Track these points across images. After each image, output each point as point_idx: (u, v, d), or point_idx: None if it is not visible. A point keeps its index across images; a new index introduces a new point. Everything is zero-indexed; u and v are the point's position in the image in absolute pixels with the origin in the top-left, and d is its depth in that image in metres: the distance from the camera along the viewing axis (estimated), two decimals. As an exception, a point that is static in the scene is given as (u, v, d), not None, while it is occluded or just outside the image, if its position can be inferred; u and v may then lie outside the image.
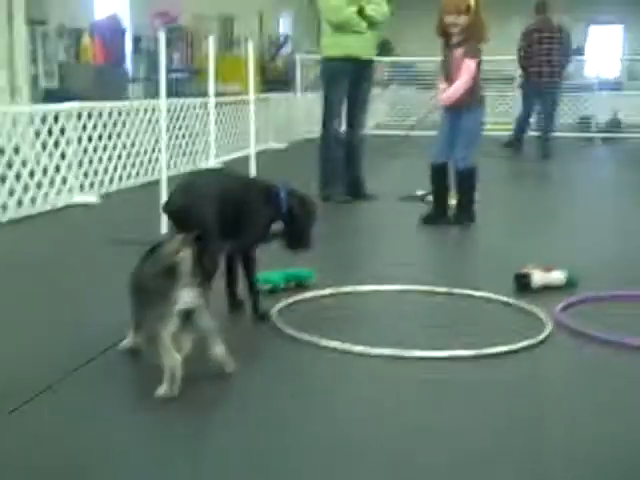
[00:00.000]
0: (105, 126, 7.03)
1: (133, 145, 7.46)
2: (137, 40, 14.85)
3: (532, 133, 11.19)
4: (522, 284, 3.92)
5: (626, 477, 2.26)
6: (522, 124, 11.02)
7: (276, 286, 3.86)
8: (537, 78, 10.55)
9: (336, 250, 4.98)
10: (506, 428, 2.52)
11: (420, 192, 6.77)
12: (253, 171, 6.64)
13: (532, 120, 11.16)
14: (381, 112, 16.00)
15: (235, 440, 2.40)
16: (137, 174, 7.52)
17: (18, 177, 5.89)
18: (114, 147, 7.14)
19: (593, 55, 22.52)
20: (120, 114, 7.33)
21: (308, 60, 14.29)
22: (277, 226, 3.54)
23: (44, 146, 6.22)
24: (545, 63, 10.43)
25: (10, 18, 8.31)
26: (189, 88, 14.10)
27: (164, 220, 5.09)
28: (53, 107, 6.53)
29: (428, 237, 5.53)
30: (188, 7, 15.91)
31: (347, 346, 3.12)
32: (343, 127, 6.88)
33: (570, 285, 3.98)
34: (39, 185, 6.07)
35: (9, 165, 5.84)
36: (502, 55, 11.02)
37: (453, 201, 6.05)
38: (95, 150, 6.85)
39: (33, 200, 6.00)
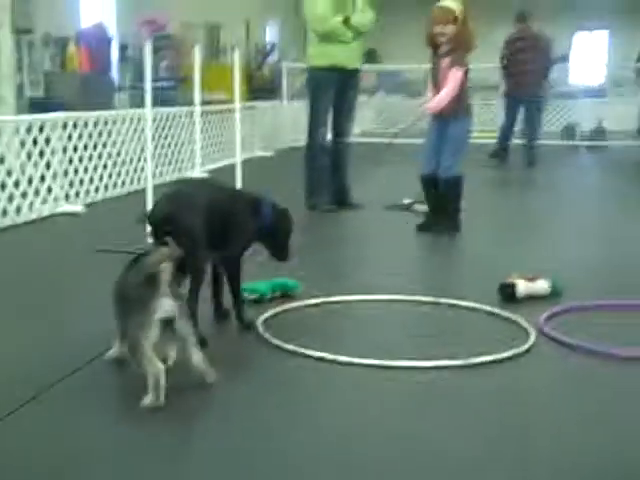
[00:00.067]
0: (90, 136, 7.02)
1: (119, 154, 7.45)
2: (123, 48, 14.83)
3: (517, 141, 11.23)
4: (507, 294, 3.94)
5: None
6: (506, 133, 11.09)
7: (262, 296, 3.87)
8: (519, 87, 10.65)
9: (322, 259, 4.99)
10: (492, 437, 2.53)
11: (406, 201, 6.78)
12: (239, 180, 6.64)
13: (516, 129, 11.22)
14: (367, 120, 16.04)
15: (219, 450, 2.39)
16: (123, 183, 7.51)
17: (3, 186, 5.88)
18: (99, 156, 7.13)
19: (578, 62, 22.63)
20: (106, 123, 7.32)
21: (294, 68, 14.30)
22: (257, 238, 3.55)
23: (29, 156, 6.20)
24: (527, 72, 10.52)
25: (-5, 27, 8.29)
26: (175, 96, 14.07)
27: (149, 230, 5.09)
28: (38, 117, 6.52)
29: (414, 246, 5.55)
30: (175, 15, 15.90)
31: (333, 356, 3.12)
32: (329, 136, 6.89)
33: (555, 294, 3.99)
34: (24, 195, 6.06)
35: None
36: (488, 63, 11.07)
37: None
38: (80, 159, 6.84)
39: (18, 209, 5.99)
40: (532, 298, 3.94)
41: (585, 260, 5.00)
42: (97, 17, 13.93)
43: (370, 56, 18.67)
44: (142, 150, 7.12)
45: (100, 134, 7.20)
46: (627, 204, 7.63)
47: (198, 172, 8.70)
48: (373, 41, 15.30)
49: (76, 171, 6.77)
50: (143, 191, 5.53)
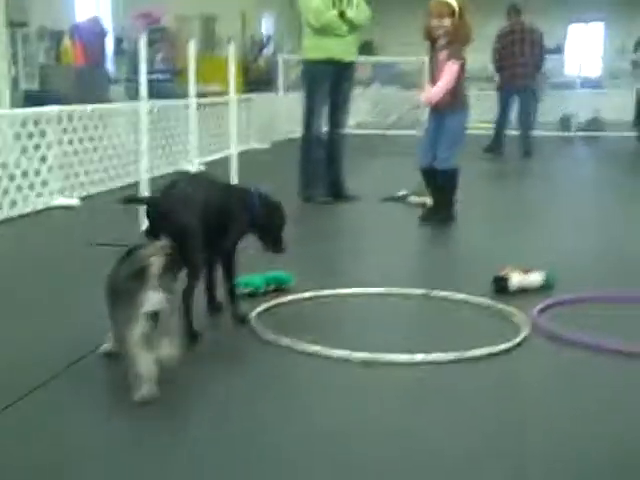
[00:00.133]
0: (86, 129, 7.01)
1: (114, 147, 7.44)
2: (119, 41, 14.81)
3: (513, 132, 11.24)
4: (501, 287, 3.95)
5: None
6: (501, 125, 11.09)
7: (256, 289, 3.87)
8: (512, 80, 10.68)
9: (316, 252, 4.99)
10: (487, 432, 2.53)
11: (402, 193, 6.78)
12: (234, 172, 6.64)
13: (511, 119, 11.24)
14: (363, 111, 16.03)
15: (213, 444, 2.40)
16: (118, 176, 7.51)
17: (-2, 180, 5.88)
18: (95, 150, 7.12)
19: (574, 53, 22.60)
20: (101, 117, 7.31)
21: (290, 60, 14.29)
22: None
23: (24, 149, 6.20)
24: (519, 65, 10.56)
25: (-10, 20, 8.28)
26: (171, 89, 14.05)
27: (144, 223, 5.09)
28: (33, 111, 6.51)
29: (409, 239, 5.55)
30: (170, 8, 15.87)
31: (326, 350, 3.13)
32: (324, 128, 6.89)
33: (548, 287, 4.00)
34: (19, 188, 6.06)
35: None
36: (484, 54, 11.06)
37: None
38: (76, 153, 6.83)
39: (13, 203, 5.98)
40: (525, 290, 3.95)
41: (580, 252, 5.01)
42: (92, 10, 13.91)
43: (366, 48, 18.63)
44: (137, 143, 7.11)
45: (95, 127, 7.19)
46: (622, 195, 7.64)
47: (194, 164, 8.69)
48: (369, 33, 15.26)
49: (71, 164, 6.76)
50: (138, 184, 5.52)
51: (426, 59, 6.85)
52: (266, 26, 23.10)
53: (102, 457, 2.36)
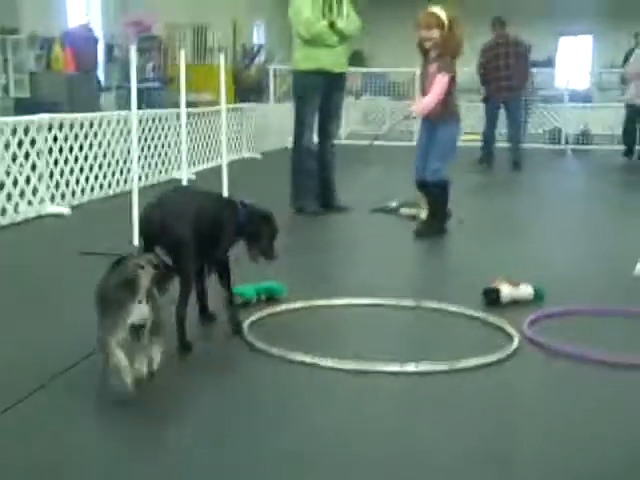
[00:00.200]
0: (76, 137, 7.00)
1: (105, 156, 7.44)
2: (110, 49, 14.81)
3: (502, 145, 11.29)
4: (491, 299, 3.96)
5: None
6: (488, 139, 11.15)
7: (248, 300, 3.88)
8: (497, 93, 10.73)
9: (308, 263, 5.00)
10: (476, 443, 2.54)
11: (393, 204, 6.80)
12: (225, 182, 6.64)
13: (499, 132, 11.30)
14: (353, 121, 16.08)
15: (203, 453, 2.40)
16: (109, 185, 7.51)
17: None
18: (85, 158, 7.12)
19: (563, 66, 22.74)
20: (91, 125, 7.31)
21: (281, 70, 14.33)
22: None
23: (14, 157, 6.19)
24: (503, 78, 10.62)
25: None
26: (162, 97, 14.06)
27: (135, 231, 5.09)
28: (24, 119, 6.50)
29: (399, 250, 5.56)
30: (162, 16, 15.88)
31: (317, 360, 3.13)
32: (315, 139, 6.91)
33: (538, 299, 4.02)
34: (9, 196, 6.05)
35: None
36: (473, 65, 11.11)
37: (423, 214, 6.09)
38: (66, 161, 6.83)
39: (4, 211, 5.97)
40: (516, 303, 3.97)
41: (569, 264, 5.04)
42: (83, 17, 13.91)
43: (356, 58, 18.69)
44: (128, 152, 7.11)
45: (86, 136, 7.19)
46: (611, 208, 7.69)
47: (185, 174, 8.68)
48: (359, 43, 15.33)
49: (62, 173, 6.76)
50: (129, 193, 5.52)
51: (416, 70, 6.88)
52: (257, 35, 23.16)
53: (97, 464, 2.36)
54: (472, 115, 12.60)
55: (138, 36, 13.02)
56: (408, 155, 6.13)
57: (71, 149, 6.91)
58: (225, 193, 6.12)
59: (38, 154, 6.44)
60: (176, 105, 8.57)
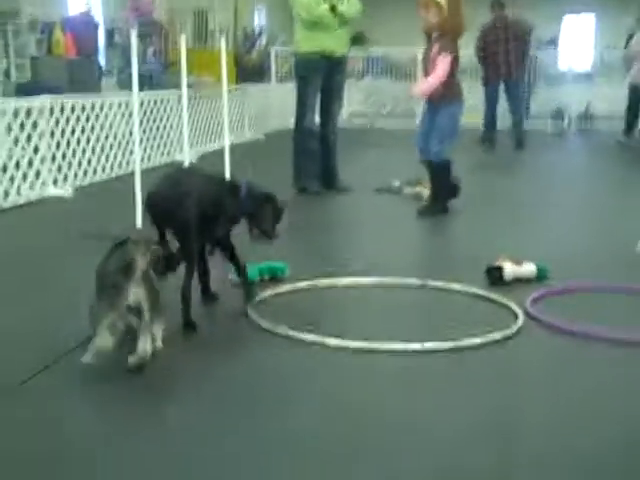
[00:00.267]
0: (78, 120, 6.99)
1: (107, 138, 7.43)
2: (110, 33, 14.76)
3: (505, 125, 11.25)
4: (495, 277, 3.96)
5: (602, 462, 2.30)
6: (490, 120, 11.10)
7: (251, 280, 3.87)
8: (496, 74, 10.67)
9: (310, 243, 5.00)
10: (482, 419, 2.55)
11: (396, 183, 6.79)
12: (228, 163, 6.62)
13: (500, 113, 11.26)
14: (355, 102, 16.03)
15: (206, 432, 2.41)
16: (111, 167, 7.50)
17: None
18: (87, 141, 7.11)
19: (566, 46, 22.64)
20: (93, 108, 7.29)
21: (283, 52, 14.28)
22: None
23: (16, 140, 6.18)
24: (502, 60, 10.56)
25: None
26: (163, 82, 14.03)
27: (138, 213, 5.09)
28: (25, 102, 6.49)
29: (403, 229, 5.56)
30: (162, 0, 15.84)
31: (322, 339, 3.13)
32: (317, 120, 6.89)
33: (541, 277, 4.02)
34: (12, 179, 6.05)
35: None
36: (471, 48, 11.04)
37: (426, 193, 6.09)
38: (68, 144, 6.82)
39: (6, 194, 5.97)
40: (519, 281, 3.97)
41: (571, 242, 5.03)
42: (83, 3, 13.85)
43: (358, 39, 18.62)
44: (130, 134, 7.10)
45: (88, 118, 7.18)
46: (614, 187, 7.67)
47: (187, 156, 8.67)
48: (360, 25, 15.27)
49: (64, 155, 6.75)
50: (131, 175, 5.51)
51: (418, 51, 6.85)
52: (258, 18, 23.08)
53: (101, 443, 2.36)
54: (474, 96, 12.54)
55: (138, 20, 13.00)
56: (410, 136, 6.10)
57: (73, 132, 6.90)
58: (227, 174, 6.11)
59: (40, 137, 6.43)
60: (178, 87, 8.57)
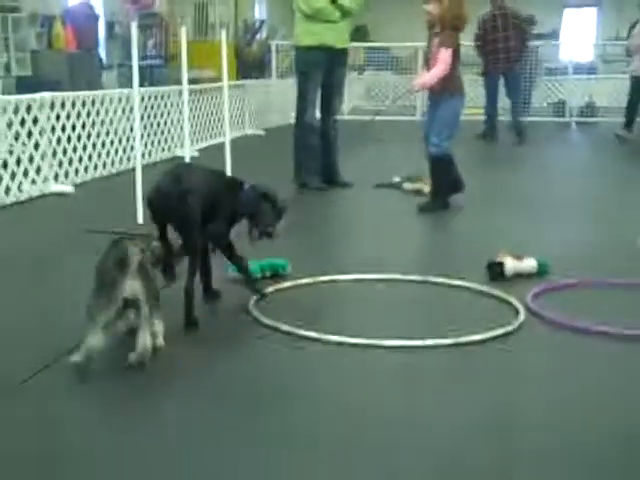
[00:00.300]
0: (79, 115, 6.99)
1: (107, 134, 7.43)
2: (111, 26, 14.75)
3: (505, 118, 11.24)
4: (495, 272, 3.96)
5: (603, 458, 2.31)
6: (491, 113, 11.08)
7: (254, 277, 3.87)
8: (495, 66, 10.65)
9: (312, 239, 5.00)
10: (482, 415, 2.55)
11: (397, 179, 6.79)
12: (228, 159, 6.62)
13: (500, 105, 11.24)
14: (356, 96, 16.01)
15: (206, 428, 2.42)
16: (112, 163, 7.50)
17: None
18: (88, 136, 7.11)
19: (567, 39, 22.61)
20: (93, 103, 7.29)
21: (284, 46, 14.26)
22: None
23: (17, 136, 6.18)
24: (501, 51, 10.53)
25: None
26: (164, 74, 14.03)
27: (139, 209, 5.10)
28: (25, 97, 6.49)
29: (404, 225, 5.56)
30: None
31: (322, 335, 3.14)
32: (318, 114, 6.89)
33: (542, 272, 4.02)
34: (13, 175, 6.04)
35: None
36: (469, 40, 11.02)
37: (426, 189, 6.09)
38: (69, 139, 6.82)
39: (7, 190, 5.97)
40: (519, 276, 3.97)
41: (574, 238, 5.02)
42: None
43: (359, 33, 18.60)
44: (131, 129, 7.10)
45: (88, 114, 7.17)
46: (616, 181, 7.66)
47: (187, 151, 8.66)
48: (362, 18, 15.26)
49: (65, 151, 6.75)
50: (133, 170, 5.52)
51: (419, 45, 6.84)
52: (259, 11, 23.05)
53: (101, 443, 2.37)
54: (474, 89, 12.53)
55: (139, 12, 12.98)
56: (411, 130, 6.09)
57: (74, 127, 6.90)
58: (228, 170, 6.11)
59: (41, 132, 6.43)
60: (178, 82, 8.57)
